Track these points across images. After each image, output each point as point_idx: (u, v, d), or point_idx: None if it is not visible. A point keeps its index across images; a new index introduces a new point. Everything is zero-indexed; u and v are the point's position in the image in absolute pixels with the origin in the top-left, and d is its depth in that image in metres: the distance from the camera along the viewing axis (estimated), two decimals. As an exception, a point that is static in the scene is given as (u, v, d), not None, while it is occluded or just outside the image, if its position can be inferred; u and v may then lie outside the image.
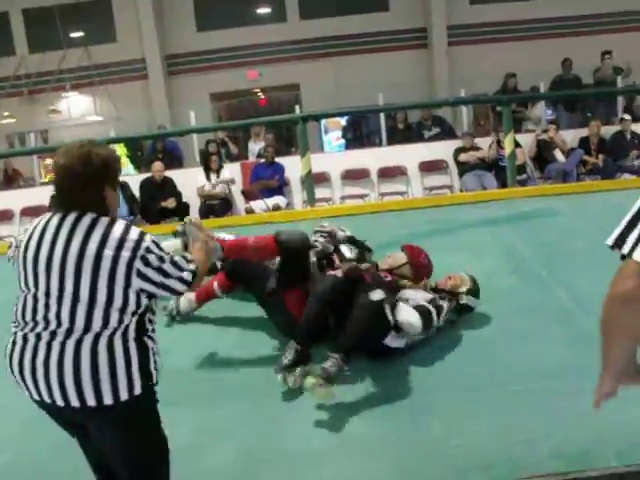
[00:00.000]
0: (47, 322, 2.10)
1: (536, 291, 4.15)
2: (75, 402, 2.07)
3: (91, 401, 2.07)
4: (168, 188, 9.03)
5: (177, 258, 2.28)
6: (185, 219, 3.39)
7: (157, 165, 9.04)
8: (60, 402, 2.08)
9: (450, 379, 3.32)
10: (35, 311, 2.12)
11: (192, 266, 2.32)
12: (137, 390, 2.11)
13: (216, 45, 14.95)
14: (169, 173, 9.24)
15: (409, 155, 9.42)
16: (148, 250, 2.15)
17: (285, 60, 15.24)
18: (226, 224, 6.62)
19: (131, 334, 2.12)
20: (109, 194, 2.19)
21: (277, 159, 9.33)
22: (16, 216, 9.56)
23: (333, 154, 11.38)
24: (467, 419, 2.97)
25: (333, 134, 13.90)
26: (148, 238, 2.18)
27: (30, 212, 9.57)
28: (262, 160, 9.47)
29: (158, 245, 2.22)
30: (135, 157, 12.13)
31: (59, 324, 2.08)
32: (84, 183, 2.13)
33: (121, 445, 2.16)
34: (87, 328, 2.08)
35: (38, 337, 2.09)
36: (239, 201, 9.50)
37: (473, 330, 3.79)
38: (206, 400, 3.31)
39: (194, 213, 9.12)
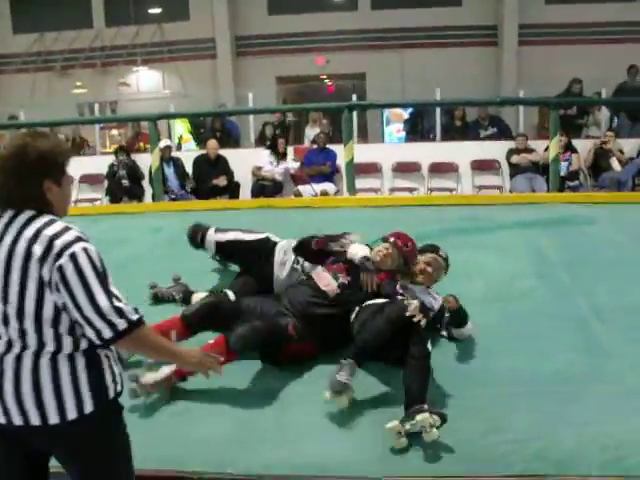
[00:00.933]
0: None
1: (556, 296, 4.11)
2: (18, 421, 1.90)
3: (35, 420, 1.89)
4: (221, 166, 9.21)
5: (118, 294, 1.95)
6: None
7: (212, 143, 9.23)
8: (2, 419, 1.92)
9: (450, 374, 3.34)
10: None
11: (135, 316, 1.96)
12: (88, 408, 1.93)
13: (286, 29, 15.06)
14: (225, 152, 9.43)
15: (462, 152, 9.36)
16: (72, 257, 1.87)
17: (353, 49, 15.22)
18: (274, 205, 6.77)
19: (77, 347, 1.93)
20: (52, 189, 1.96)
21: (332, 146, 9.39)
22: (75, 182, 9.89)
23: (387, 145, 11.39)
24: (459, 415, 2.99)
25: (395, 126, 13.91)
26: (81, 245, 1.90)
27: (88, 179, 9.96)
28: (315, 146, 9.55)
29: (95, 256, 1.92)
30: (197, 134, 12.41)
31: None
32: (18, 178, 1.93)
33: (77, 469, 1.99)
34: (23, 342, 1.90)
35: None
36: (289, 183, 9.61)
37: (483, 328, 3.79)
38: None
39: (245, 193, 9.30)
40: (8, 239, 1.90)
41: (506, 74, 14.38)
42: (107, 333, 1.89)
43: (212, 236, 4.22)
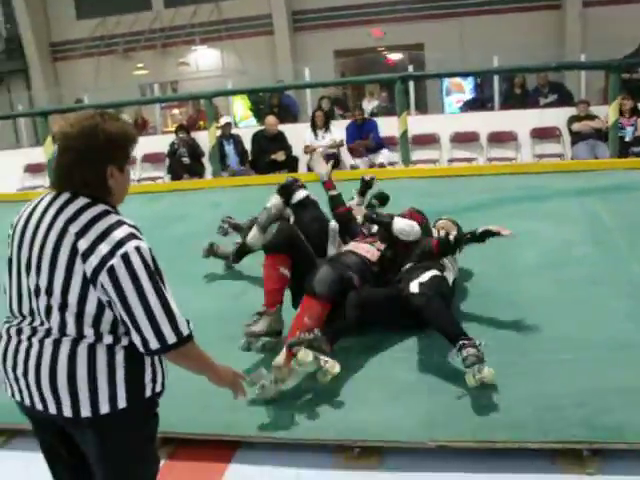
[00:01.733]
0: (31, 316, 1.89)
1: (611, 262, 4.05)
2: (52, 409, 1.86)
3: (67, 411, 1.84)
4: (279, 141, 9.27)
5: (172, 301, 1.84)
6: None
7: (270, 119, 9.28)
8: (39, 406, 1.88)
9: (499, 339, 3.35)
10: (20, 303, 1.91)
11: (186, 331, 1.87)
12: (121, 404, 1.85)
13: (342, 2, 14.98)
14: (283, 127, 9.49)
15: (521, 121, 9.15)
16: (125, 258, 1.77)
17: (411, 19, 15.01)
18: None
19: (119, 341, 1.86)
20: (114, 175, 1.88)
21: (388, 118, 9.27)
22: (137, 161, 10.19)
23: (444, 116, 11.26)
24: (507, 380, 3.00)
25: (455, 96, 13.71)
26: (134, 243, 1.80)
27: (150, 158, 10.22)
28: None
29: (149, 257, 1.83)
30: (257, 110, 12.53)
31: (41, 321, 1.87)
32: (82, 160, 1.84)
33: (102, 461, 1.91)
34: (62, 333, 1.83)
35: (19, 332, 1.89)
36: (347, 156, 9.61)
37: (536, 292, 3.78)
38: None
39: (302, 167, 9.36)
40: (56, 229, 1.82)
41: (570, 38, 13.93)
42: (154, 344, 1.82)
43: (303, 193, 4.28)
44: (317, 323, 3.15)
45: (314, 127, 9.22)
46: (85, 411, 1.83)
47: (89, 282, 1.78)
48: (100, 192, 1.88)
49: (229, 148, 9.11)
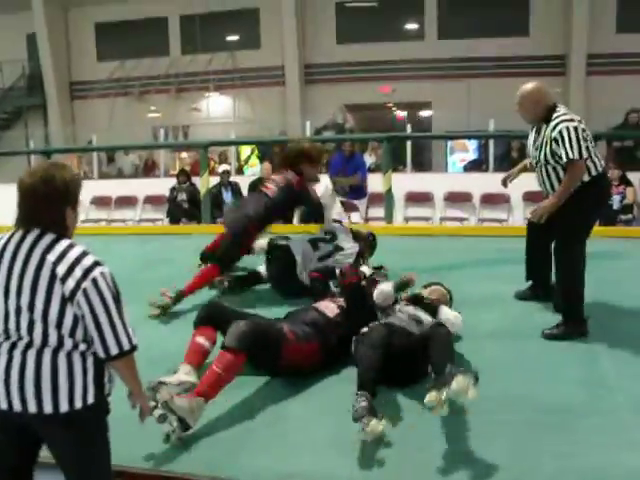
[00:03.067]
0: (9, 333, 2.25)
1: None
2: (33, 408, 2.20)
3: (48, 408, 2.20)
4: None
5: (126, 318, 2.30)
6: None
7: (266, 165, 9.48)
8: (18, 407, 2.21)
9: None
10: (6, 321, 2.25)
11: (135, 341, 2.31)
12: (90, 399, 2.25)
13: (353, 58, 15.42)
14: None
15: (516, 183, 9.29)
16: (94, 281, 2.21)
17: (419, 78, 15.40)
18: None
19: (88, 348, 2.27)
20: (69, 215, 2.31)
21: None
22: (139, 202, 10.44)
23: (441, 175, 11.47)
24: (437, 439, 3.07)
25: (458, 155, 13.96)
26: (99, 269, 2.24)
27: (152, 200, 10.47)
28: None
29: (110, 280, 2.26)
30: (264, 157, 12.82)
31: (19, 337, 2.24)
32: (47, 203, 2.25)
33: (74, 451, 2.28)
34: (44, 343, 2.22)
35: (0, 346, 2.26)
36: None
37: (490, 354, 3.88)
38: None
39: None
40: (35, 259, 2.22)
41: (573, 104, 14.19)
42: (114, 350, 2.26)
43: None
44: (228, 375, 3.21)
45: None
46: (64, 406, 2.21)
47: (67, 300, 2.21)
48: (62, 229, 2.30)
49: (227, 195, 9.34)
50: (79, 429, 2.27)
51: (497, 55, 14.71)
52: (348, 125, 13.66)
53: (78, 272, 2.20)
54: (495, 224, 9.03)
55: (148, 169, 13.52)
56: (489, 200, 9.50)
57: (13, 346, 2.23)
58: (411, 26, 15.87)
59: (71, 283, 2.19)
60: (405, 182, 8.16)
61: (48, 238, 2.25)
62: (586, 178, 3.98)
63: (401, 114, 16.28)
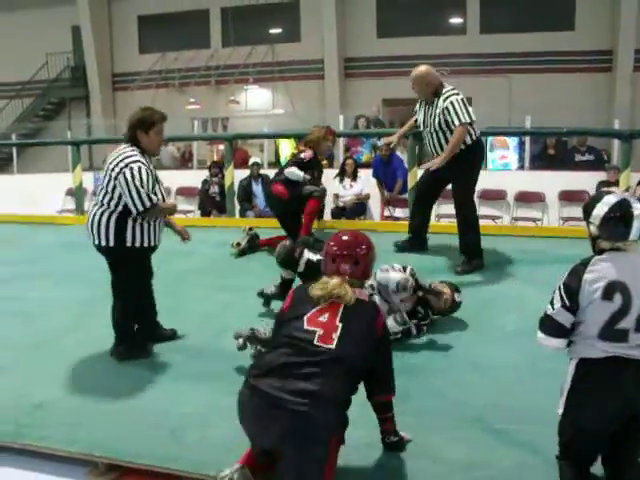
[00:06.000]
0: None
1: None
2: (96, 242, 3.94)
3: (96, 241, 3.94)
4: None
5: (145, 190, 3.76)
6: None
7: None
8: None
9: (446, 400, 3.35)
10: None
11: (154, 199, 3.82)
12: (111, 243, 3.89)
13: (393, 52, 15.23)
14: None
15: (551, 182, 9.11)
16: (129, 168, 3.76)
17: (461, 72, 15.10)
18: (338, 226, 6.91)
19: (116, 212, 3.86)
20: (142, 137, 3.89)
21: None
22: (172, 194, 10.47)
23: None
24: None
25: (498, 152, 13.68)
26: (136, 163, 3.77)
27: (183, 192, 10.50)
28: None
29: (139, 170, 3.76)
30: (301, 152, 12.76)
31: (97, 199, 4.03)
32: (128, 128, 3.93)
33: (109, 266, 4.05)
34: (101, 202, 3.92)
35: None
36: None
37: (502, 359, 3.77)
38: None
39: (327, 214, 9.44)
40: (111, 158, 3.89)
41: (619, 101, 13.79)
42: (140, 207, 3.79)
43: (307, 254, 4.38)
44: None
45: (342, 175, 9.32)
46: (104, 242, 3.92)
47: (114, 179, 3.82)
48: (136, 144, 3.92)
49: (257, 188, 9.27)
50: (114, 258, 3.98)
51: (541, 50, 14.36)
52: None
53: (123, 163, 3.83)
54: (530, 223, 8.80)
55: (185, 161, 13.59)
56: (523, 198, 9.29)
57: (96, 203, 4.02)
58: (453, 20, 15.63)
59: (117, 169, 3.84)
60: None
61: (125, 146, 3.94)
62: (468, 141, 5.02)
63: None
